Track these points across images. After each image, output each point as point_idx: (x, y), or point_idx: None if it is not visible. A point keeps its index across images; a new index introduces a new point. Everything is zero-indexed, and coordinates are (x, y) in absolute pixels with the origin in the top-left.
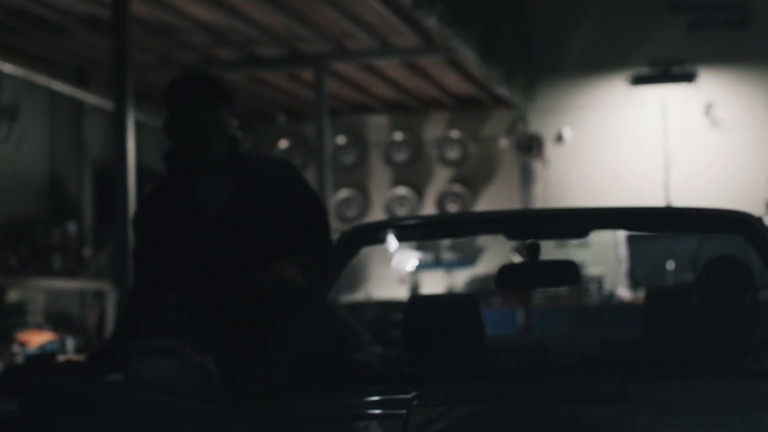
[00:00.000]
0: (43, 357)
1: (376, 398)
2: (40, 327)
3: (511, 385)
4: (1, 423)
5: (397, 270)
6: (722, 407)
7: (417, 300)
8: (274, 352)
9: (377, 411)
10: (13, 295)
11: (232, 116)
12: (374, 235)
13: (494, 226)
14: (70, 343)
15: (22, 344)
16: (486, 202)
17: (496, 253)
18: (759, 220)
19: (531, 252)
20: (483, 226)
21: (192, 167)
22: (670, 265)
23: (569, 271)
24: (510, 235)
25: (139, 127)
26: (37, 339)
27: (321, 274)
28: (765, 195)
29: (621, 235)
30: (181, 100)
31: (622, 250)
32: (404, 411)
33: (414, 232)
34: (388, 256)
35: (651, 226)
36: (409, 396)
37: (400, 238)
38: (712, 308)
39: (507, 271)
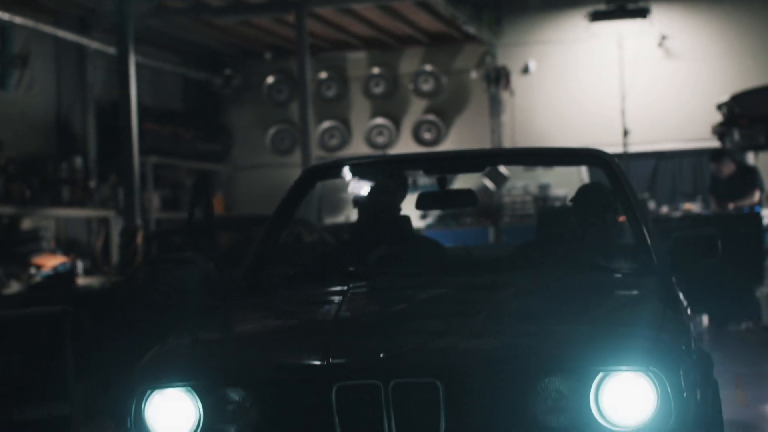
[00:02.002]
0: (62, 275)
1: (325, 289)
2: (52, 251)
3: (421, 278)
4: (52, 320)
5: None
6: (577, 290)
7: (362, 219)
8: (253, 260)
9: (323, 298)
10: (27, 224)
11: None
12: (326, 172)
13: (417, 165)
14: (79, 265)
15: (38, 267)
16: (458, 130)
17: (467, 179)
18: (611, 157)
19: (440, 183)
20: (409, 165)
21: None
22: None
23: (469, 197)
24: (427, 171)
25: (138, 69)
26: (50, 262)
27: (285, 203)
28: (712, 120)
29: None
30: None
31: (584, 172)
32: (341, 297)
33: (357, 169)
34: (357, 185)
35: (530, 161)
36: (345, 287)
37: (348, 174)
38: (583, 223)
39: (423, 197)
